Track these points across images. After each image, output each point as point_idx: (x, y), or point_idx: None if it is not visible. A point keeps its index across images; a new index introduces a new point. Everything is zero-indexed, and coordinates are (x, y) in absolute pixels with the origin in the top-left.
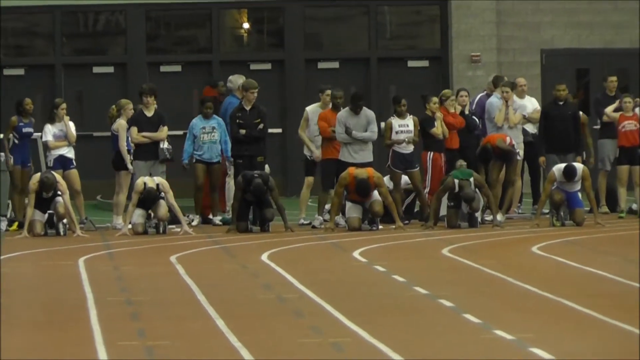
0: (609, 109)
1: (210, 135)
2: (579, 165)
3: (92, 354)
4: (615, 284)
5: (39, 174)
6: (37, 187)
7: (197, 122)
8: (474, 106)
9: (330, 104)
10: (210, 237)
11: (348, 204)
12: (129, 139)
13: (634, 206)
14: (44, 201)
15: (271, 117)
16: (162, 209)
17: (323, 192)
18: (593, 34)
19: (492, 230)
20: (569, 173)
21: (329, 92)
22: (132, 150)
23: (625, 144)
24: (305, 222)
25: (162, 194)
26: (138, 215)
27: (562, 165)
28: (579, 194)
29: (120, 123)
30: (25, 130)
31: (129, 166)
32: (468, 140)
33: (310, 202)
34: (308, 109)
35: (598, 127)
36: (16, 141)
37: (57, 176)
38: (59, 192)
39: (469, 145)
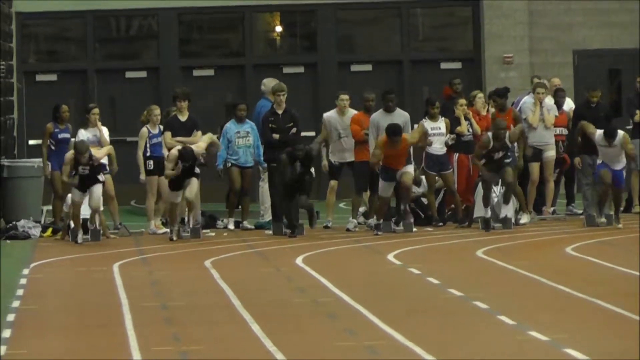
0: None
1: (245, 139)
2: (619, 131)
3: (127, 359)
4: None
5: (72, 142)
6: (72, 155)
7: (231, 126)
8: (518, 107)
9: (346, 108)
10: (244, 241)
11: (381, 183)
12: (162, 144)
13: None
14: (83, 180)
15: (304, 120)
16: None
17: (356, 195)
18: (624, 34)
19: (525, 231)
20: (610, 134)
21: (343, 97)
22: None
23: None
24: (329, 225)
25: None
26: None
27: (601, 131)
28: (624, 173)
29: (142, 131)
30: (61, 136)
31: (142, 177)
32: None
33: (344, 205)
34: (325, 115)
35: (630, 127)
36: (53, 147)
37: (92, 150)
38: (99, 177)
39: None
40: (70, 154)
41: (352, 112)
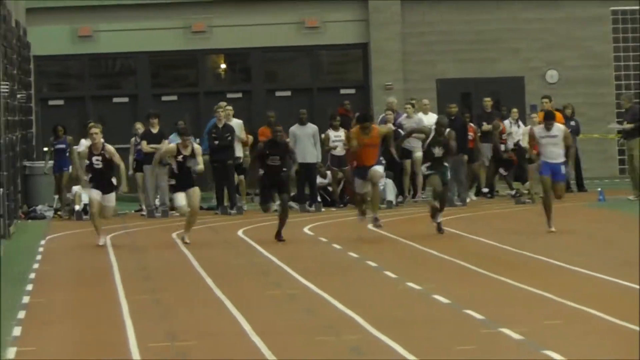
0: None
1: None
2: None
3: (117, 307)
4: (491, 247)
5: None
6: (86, 149)
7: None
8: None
9: (229, 117)
10: (199, 219)
11: (356, 181)
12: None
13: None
14: (99, 174)
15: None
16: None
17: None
18: (475, 67)
19: (403, 210)
20: (549, 116)
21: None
22: (142, 158)
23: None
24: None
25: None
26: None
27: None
28: (562, 167)
29: (132, 141)
30: (57, 146)
31: (130, 171)
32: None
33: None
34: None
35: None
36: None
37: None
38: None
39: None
40: (84, 147)
41: (236, 121)
